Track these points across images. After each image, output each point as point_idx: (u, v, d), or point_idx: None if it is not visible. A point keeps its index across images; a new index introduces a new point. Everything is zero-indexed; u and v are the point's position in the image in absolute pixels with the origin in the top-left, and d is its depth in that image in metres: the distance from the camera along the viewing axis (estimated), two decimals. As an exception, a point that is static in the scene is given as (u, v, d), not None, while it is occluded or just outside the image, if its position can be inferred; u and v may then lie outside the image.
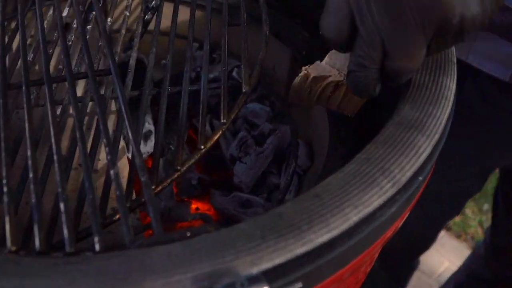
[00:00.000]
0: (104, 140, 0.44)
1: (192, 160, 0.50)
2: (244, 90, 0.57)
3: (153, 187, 0.46)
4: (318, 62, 0.53)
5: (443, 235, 1.83)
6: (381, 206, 0.41)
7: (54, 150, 0.44)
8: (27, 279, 0.34)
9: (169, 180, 0.48)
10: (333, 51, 0.52)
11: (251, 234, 0.36)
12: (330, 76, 0.52)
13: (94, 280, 0.34)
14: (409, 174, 0.42)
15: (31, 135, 0.44)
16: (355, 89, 0.46)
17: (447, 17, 0.39)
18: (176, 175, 0.49)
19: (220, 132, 0.53)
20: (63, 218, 0.40)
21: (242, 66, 0.59)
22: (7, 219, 0.40)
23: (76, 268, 0.34)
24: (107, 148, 0.43)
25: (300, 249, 0.36)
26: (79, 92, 0.69)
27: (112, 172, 0.42)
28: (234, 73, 0.86)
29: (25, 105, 0.46)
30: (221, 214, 0.78)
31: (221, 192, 0.79)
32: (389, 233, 0.44)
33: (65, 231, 0.39)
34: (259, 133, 0.80)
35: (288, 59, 0.83)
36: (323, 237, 0.37)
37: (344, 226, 0.38)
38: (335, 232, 0.38)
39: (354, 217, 0.39)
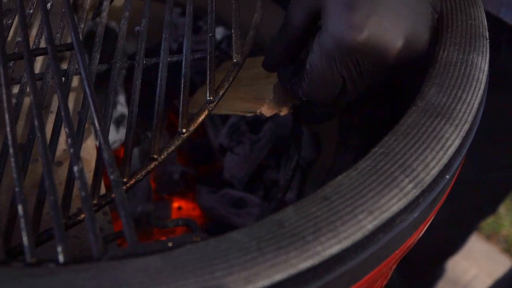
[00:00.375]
0: (66, 130, 0.43)
1: (172, 147, 0.49)
2: (235, 60, 0.56)
3: (124, 179, 0.46)
4: (269, 99, 0.59)
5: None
6: (402, 211, 0.41)
7: (10, 142, 0.43)
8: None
9: (143, 172, 0.48)
10: (277, 84, 0.59)
11: (246, 246, 0.36)
12: (281, 111, 0.60)
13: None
14: (434, 172, 0.42)
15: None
16: None
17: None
18: (152, 166, 0.48)
19: (206, 112, 0.52)
20: (22, 223, 0.40)
21: (233, 31, 0.58)
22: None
23: (42, 281, 0.35)
24: (69, 140, 0.43)
25: (304, 264, 0.36)
26: (40, 68, 0.68)
27: (75, 168, 0.41)
28: (223, 45, 0.85)
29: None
30: (209, 215, 0.78)
31: (209, 188, 0.79)
32: (410, 241, 0.44)
33: (24, 238, 0.39)
34: (254, 119, 0.80)
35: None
36: (332, 249, 0.37)
37: (358, 235, 0.38)
38: (346, 243, 0.38)
39: (369, 225, 0.39)
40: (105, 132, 0.44)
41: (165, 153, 0.48)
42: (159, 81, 0.53)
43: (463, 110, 0.46)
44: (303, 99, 0.55)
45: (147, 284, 0.34)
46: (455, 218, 1.17)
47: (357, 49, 0.47)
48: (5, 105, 0.45)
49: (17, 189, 0.40)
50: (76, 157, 0.43)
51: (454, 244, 1.32)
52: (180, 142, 0.49)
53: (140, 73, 0.54)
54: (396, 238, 0.41)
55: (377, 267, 0.42)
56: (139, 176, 0.47)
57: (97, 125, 0.45)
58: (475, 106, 0.47)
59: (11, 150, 0.42)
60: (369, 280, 0.42)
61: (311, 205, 0.39)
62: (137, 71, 0.54)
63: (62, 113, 0.45)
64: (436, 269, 1.42)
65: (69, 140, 0.43)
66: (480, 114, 0.48)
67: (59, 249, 0.38)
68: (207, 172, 0.84)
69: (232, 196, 0.77)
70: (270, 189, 0.78)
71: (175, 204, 0.82)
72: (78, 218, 0.45)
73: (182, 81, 0.53)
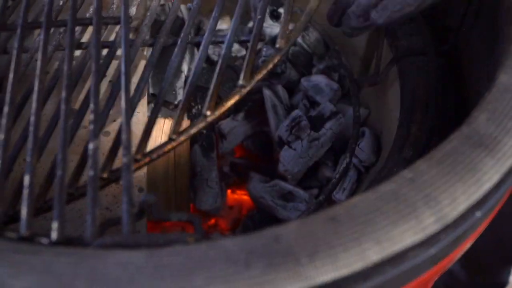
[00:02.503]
0: (91, 105, 0.41)
1: (193, 130, 0.47)
2: (277, 46, 0.51)
3: (138, 157, 0.44)
4: None
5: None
6: (416, 246, 0.36)
7: (63, 108, 0.42)
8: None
9: (160, 152, 0.46)
10: None
11: (234, 258, 0.33)
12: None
13: (36, 278, 0.32)
14: (462, 208, 0.37)
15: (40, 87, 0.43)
16: None
17: None
18: (169, 146, 0.46)
19: (237, 97, 0.48)
20: (25, 194, 0.39)
21: (282, 15, 0.54)
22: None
23: (23, 259, 0.34)
24: (92, 115, 0.41)
25: (293, 286, 0.33)
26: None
27: (91, 146, 0.40)
28: (300, 39, 0.81)
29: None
30: (256, 203, 0.76)
31: (261, 177, 0.77)
32: (427, 276, 0.40)
33: (23, 211, 0.38)
34: (317, 115, 0.76)
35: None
36: (327, 276, 0.34)
37: (358, 265, 0.34)
38: (344, 272, 0.34)
39: (373, 256, 0.35)
40: (128, 114, 0.42)
41: (184, 136, 0.46)
42: (196, 61, 0.50)
43: (510, 144, 0.40)
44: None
45: (122, 281, 0.32)
46: None
47: None
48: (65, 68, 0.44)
49: (28, 159, 0.39)
50: (94, 135, 0.41)
51: None
52: (202, 125, 0.46)
53: (180, 50, 0.52)
54: (408, 273, 0.37)
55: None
56: (154, 155, 0.45)
57: (123, 103, 0.43)
58: (527, 141, 0.41)
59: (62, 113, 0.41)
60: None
61: (316, 224, 0.36)
62: (179, 48, 0.51)
63: (92, 87, 0.43)
64: (503, 272, 1.33)
65: (91, 115, 0.42)
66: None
67: (54, 226, 0.37)
68: (261, 163, 0.82)
69: (282, 188, 0.74)
70: (323, 187, 0.75)
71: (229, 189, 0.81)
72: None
73: (219, 62, 0.50)
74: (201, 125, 0.46)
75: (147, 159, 0.44)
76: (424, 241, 0.36)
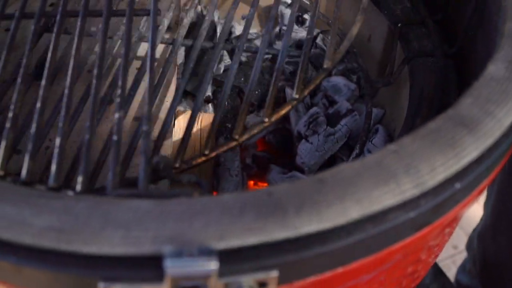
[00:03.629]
0: (119, 90, 0.46)
1: (253, 132, 0.53)
2: (325, 66, 0.58)
3: (206, 152, 0.50)
4: None
5: None
6: (396, 208, 0.40)
7: (93, 91, 0.47)
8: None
9: (224, 148, 0.53)
10: None
11: (230, 207, 0.38)
12: None
13: (56, 218, 0.37)
14: (441, 177, 0.41)
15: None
16: None
17: None
18: (233, 144, 0.53)
19: (289, 107, 0.56)
20: (55, 153, 0.44)
21: (330, 38, 0.60)
22: (2, 144, 0.44)
23: (46, 202, 0.38)
24: (119, 90, 0.46)
25: (279, 234, 0.37)
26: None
27: (116, 115, 0.44)
28: (319, 40, 0.85)
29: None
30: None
31: (280, 169, 0.81)
32: (410, 244, 0.43)
33: (53, 167, 0.43)
34: (334, 112, 0.80)
35: (386, 31, 0.81)
36: (311, 227, 0.37)
37: (340, 220, 0.38)
38: (327, 224, 0.38)
39: (354, 213, 0.38)
40: (152, 87, 0.47)
41: (245, 136, 0.52)
42: (253, 69, 0.55)
43: (490, 125, 0.44)
44: None
45: (131, 221, 0.37)
46: None
47: None
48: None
49: (60, 124, 0.44)
50: (120, 106, 0.46)
51: None
52: (261, 129, 0.54)
53: (238, 57, 0.57)
54: (389, 233, 0.40)
55: (366, 257, 0.41)
56: (220, 150, 0.52)
57: (148, 79, 0.47)
58: (507, 123, 0.44)
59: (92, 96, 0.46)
60: (356, 272, 0.42)
61: (305, 184, 0.40)
62: (237, 55, 0.57)
63: (120, 76, 0.48)
64: None
65: (116, 115, 0.46)
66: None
67: (79, 179, 0.42)
68: (283, 155, 0.86)
69: (299, 178, 0.78)
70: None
71: (251, 181, 0.85)
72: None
73: (275, 74, 0.55)
74: (258, 129, 0.54)
75: (213, 154, 0.52)
76: (403, 204, 0.40)
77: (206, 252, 0.34)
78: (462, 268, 1.26)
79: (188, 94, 0.84)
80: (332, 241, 0.38)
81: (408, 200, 0.40)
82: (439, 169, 0.41)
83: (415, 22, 0.73)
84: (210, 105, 0.84)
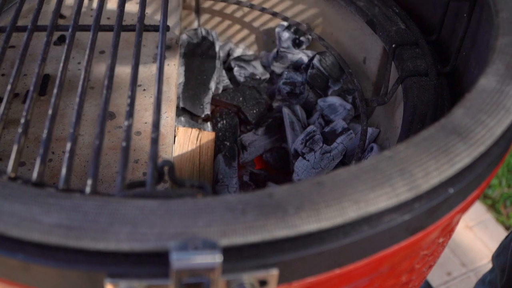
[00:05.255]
0: (128, 100, 0.47)
1: None
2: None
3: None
4: None
5: None
6: (391, 210, 0.41)
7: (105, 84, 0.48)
8: (7, 201, 0.38)
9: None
10: None
11: (233, 207, 0.39)
12: None
13: (65, 215, 0.38)
14: (434, 181, 0.42)
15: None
16: None
17: None
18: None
19: None
20: (66, 157, 0.45)
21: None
22: (14, 147, 0.45)
23: (55, 201, 0.39)
24: (125, 122, 0.47)
25: (280, 232, 0.38)
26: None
27: (125, 123, 0.45)
28: (315, 61, 0.87)
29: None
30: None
31: (278, 186, 0.81)
32: (404, 248, 0.44)
33: (63, 170, 0.44)
34: (330, 130, 0.81)
35: (380, 53, 0.83)
36: (310, 226, 0.38)
37: (338, 220, 0.39)
38: (325, 224, 0.39)
39: (351, 213, 0.39)
40: (160, 95, 0.48)
41: None
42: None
43: (482, 133, 0.45)
44: None
45: (138, 219, 0.37)
46: None
47: None
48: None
49: (71, 130, 0.45)
50: (130, 114, 0.47)
51: None
52: None
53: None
54: (384, 235, 0.41)
55: (362, 259, 0.42)
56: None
57: (155, 91, 0.49)
58: (498, 132, 0.45)
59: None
60: (355, 272, 0.43)
61: (304, 186, 0.41)
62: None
63: (130, 87, 0.49)
64: None
65: (125, 122, 0.47)
66: (509, 142, 0.47)
67: (89, 182, 0.43)
68: (281, 173, 0.87)
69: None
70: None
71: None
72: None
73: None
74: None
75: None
76: (398, 206, 0.41)
77: (211, 246, 0.35)
78: (481, 282, 1.26)
79: (186, 112, 0.85)
80: (330, 241, 0.39)
81: (402, 203, 0.41)
82: (432, 173, 0.42)
83: (409, 42, 0.75)
84: (209, 123, 0.85)
